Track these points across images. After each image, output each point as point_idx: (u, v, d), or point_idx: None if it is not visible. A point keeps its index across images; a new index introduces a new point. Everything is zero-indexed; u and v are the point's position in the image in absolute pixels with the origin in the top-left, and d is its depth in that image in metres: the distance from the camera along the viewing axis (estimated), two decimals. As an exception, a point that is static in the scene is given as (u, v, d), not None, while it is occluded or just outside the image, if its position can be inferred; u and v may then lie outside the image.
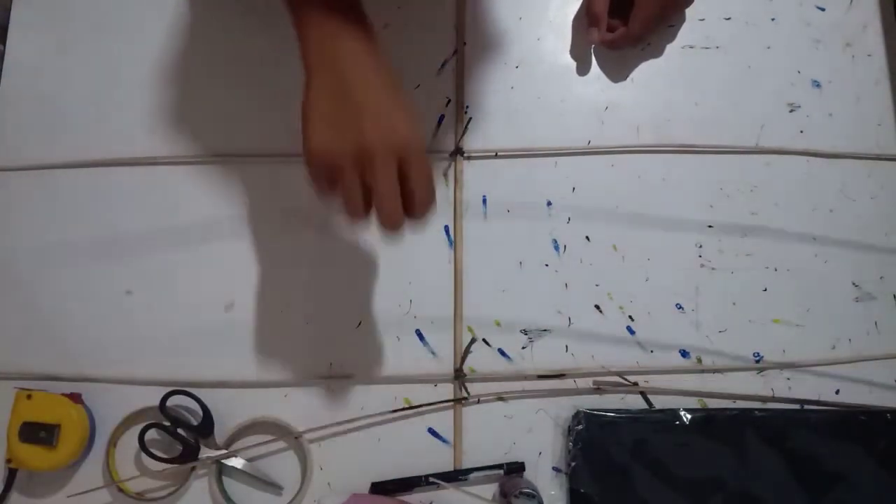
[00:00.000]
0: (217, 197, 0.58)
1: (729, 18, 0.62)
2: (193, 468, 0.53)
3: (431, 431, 0.54)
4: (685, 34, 0.62)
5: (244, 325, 0.56)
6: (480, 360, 0.55)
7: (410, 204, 0.41)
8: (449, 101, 0.60)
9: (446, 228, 0.58)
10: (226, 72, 0.61)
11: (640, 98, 0.61)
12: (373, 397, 0.54)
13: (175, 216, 0.58)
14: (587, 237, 0.58)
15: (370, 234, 0.57)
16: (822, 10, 0.63)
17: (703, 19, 0.62)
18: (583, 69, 0.61)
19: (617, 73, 0.61)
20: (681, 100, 0.61)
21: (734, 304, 0.57)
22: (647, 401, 0.55)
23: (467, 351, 0.55)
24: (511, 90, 0.61)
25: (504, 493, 0.51)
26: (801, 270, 0.58)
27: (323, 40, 0.43)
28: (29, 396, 0.52)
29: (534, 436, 0.54)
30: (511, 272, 0.57)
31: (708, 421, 0.54)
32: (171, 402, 0.52)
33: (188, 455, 0.52)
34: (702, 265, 0.58)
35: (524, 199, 0.58)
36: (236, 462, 0.53)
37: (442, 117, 0.60)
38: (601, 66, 0.61)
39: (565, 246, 0.58)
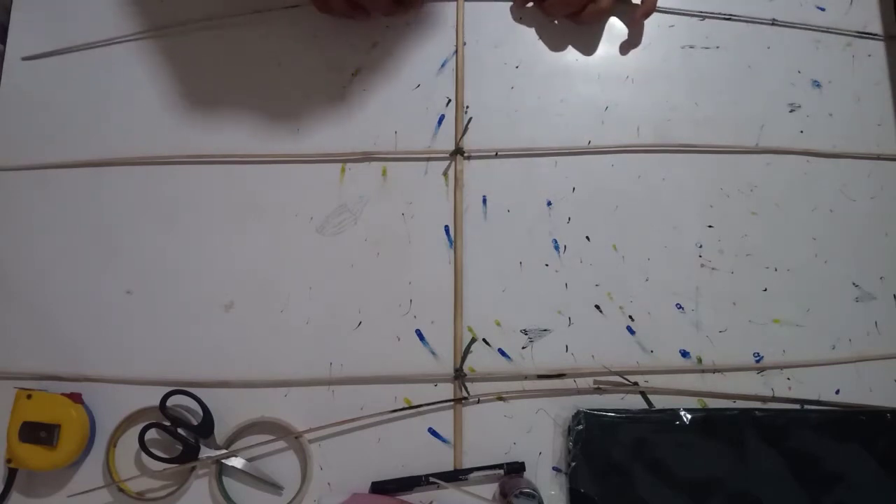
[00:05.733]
0: (217, 197, 0.58)
1: (729, 18, 0.62)
2: (193, 468, 0.53)
3: (431, 431, 0.54)
4: (685, 34, 0.62)
5: (244, 325, 0.56)
6: (480, 360, 0.55)
7: None
8: (449, 101, 0.60)
9: (446, 228, 0.58)
10: (226, 71, 0.61)
11: (640, 98, 0.61)
12: (373, 397, 0.54)
13: (175, 216, 0.58)
14: (587, 237, 0.58)
15: (369, 232, 0.57)
16: (822, 10, 0.63)
17: (703, 19, 0.62)
18: (583, 69, 0.61)
19: (617, 73, 0.61)
20: (681, 100, 0.61)
21: (734, 304, 0.57)
22: (647, 401, 0.55)
23: (467, 351, 0.55)
24: (511, 90, 0.61)
25: (504, 493, 0.51)
26: (801, 270, 0.58)
27: None
28: (29, 396, 0.52)
29: (534, 436, 0.54)
30: (511, 272, 0.57)
31: (708, 421, 0.54)
32: (171, 402, 0.52)
33: (188, 455, 0.52)
34: (702, 265, 0.58)
35: (524, 199, 0.58)
36: (236, 462, 0.53)
37: (442, 117, 0.60)
38: (601, 66, 0.61)
39: (565, 246, 0.58)
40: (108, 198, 0.59)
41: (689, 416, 0.53)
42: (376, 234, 0.58)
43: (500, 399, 0.55)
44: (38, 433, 0.51)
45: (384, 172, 0.59)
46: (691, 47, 0.62)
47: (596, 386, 0.54)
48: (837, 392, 0.55)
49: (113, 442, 0.53)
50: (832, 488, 0.52)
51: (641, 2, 0.60)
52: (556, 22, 0.62)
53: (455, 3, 0.62)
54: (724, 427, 0.53)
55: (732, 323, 0.56)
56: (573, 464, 0.52)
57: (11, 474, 0.52)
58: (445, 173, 0.59)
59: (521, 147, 0.59)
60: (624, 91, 0.61)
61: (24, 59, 0.62)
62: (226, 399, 0.54)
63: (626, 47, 0.62)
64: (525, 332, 0.56)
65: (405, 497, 0.52)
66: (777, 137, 0.60)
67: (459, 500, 0.52)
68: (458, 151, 0.59)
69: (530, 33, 0.62)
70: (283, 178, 0.59)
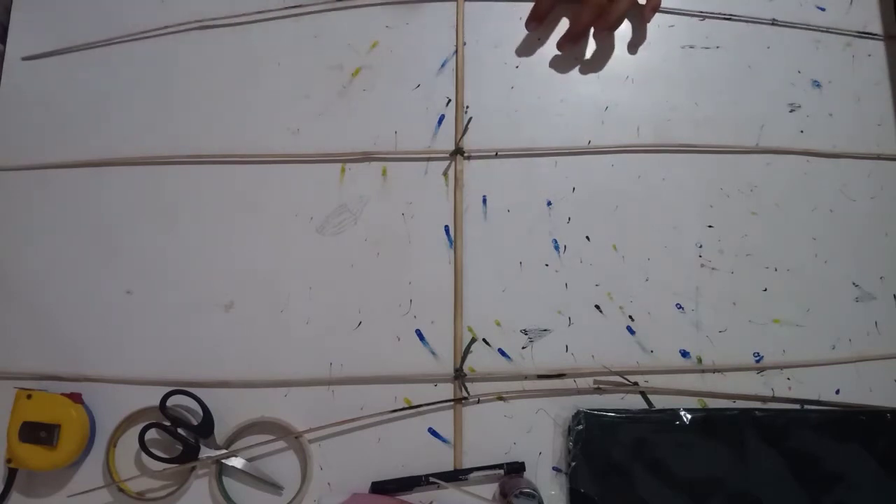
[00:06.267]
0: (217, 197, 0.58)
1: (729, 18, 0.62)
2: (193, 468, 0.53)
3: (431, 431, 0.54)
4: (685, 34, 0.62)
5: (244, 325, 0.56)
6: (480, 360, 0.55)
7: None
8: (449, 101, 0.60)
9: (446, 228, 0.58)
10: (226, 71, 0.61)
11: (640, 98, 0.61)
12: (373, 397, 0.54)
13: (175, 216, 0.58)
14: (587, 237, 0.58)
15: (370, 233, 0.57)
16: (822, 10, 0.63)
17: (703, 19, 0.62)
18: (583, 69, 0.61)
19: (617, 73, 0.61)
20: (681, 100, 0.61)
21: (734, 304, 0.57)
22: (647, 401, 0.55)
23: (467, 351, 0.55)
24: (511, 90, 0.61)
25: (504, 493, 0.51)
26: (801, 270, 0.58)
27: None
28: (29, 396, 0.52)
29: (534, 436, 0.54)
30: (511, 272, 0.57)
31: (708, 421, 0.54)
32: (171, 402, 0.52)
33: (188, 455, 0.52)
34: (702, 265, 0.58)
35: (524, 199, 0.58)
36: (236, 462, 0.53)
37: (442, 117, 0.60)
38: (601, 66, 0.61)
39: (565, 246, 0.58)
40: (108, 198, 0.59)
41: (689, 416, 0.53)
42: (376, 234, 0.58)
43: (500, 399, 0.55)
44: (38, 433, 0.51)
45: (384, 172, 0.59)
46: (691, 47, 0.62)
47: (596, 386, 0.54)
48: (837, 392, 0.55)
49: (113, 442, 0.53)
50: (832, 488, 0.52)
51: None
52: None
53: (455, 3, 0.62)
54: (724, 427, 0.53)
55: (732, 323, 0.56)
56: (573, 464, 0.52)
57: (11, 474, 0.52)
58: (445, 173, 0.59)
59: (521, 147, 0.59)
60: (624, 91, 0.61)
61: (24, 59, 0.62)
62: (226, 399, 0.54)
63: (627, 47, 0.62)
64: (525, 332, 0.56)
65: (405, 497, 0.52)
66: (777, 137, 0.60)
67: (459, 500, 0.52)
68: (458, 151, 0.59)
69: (530, 33, 0.62)
70: (283, 178, 0.59)
